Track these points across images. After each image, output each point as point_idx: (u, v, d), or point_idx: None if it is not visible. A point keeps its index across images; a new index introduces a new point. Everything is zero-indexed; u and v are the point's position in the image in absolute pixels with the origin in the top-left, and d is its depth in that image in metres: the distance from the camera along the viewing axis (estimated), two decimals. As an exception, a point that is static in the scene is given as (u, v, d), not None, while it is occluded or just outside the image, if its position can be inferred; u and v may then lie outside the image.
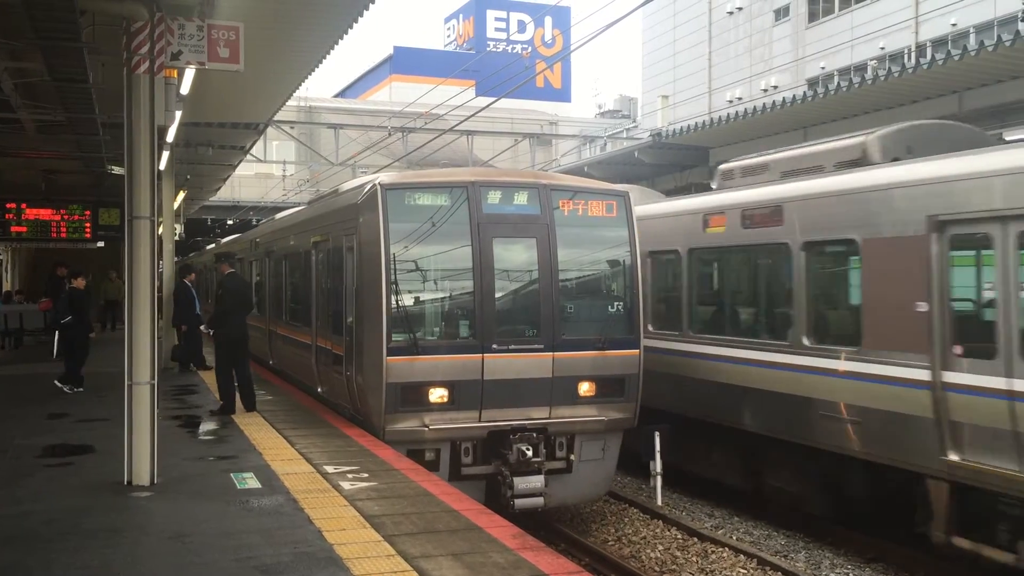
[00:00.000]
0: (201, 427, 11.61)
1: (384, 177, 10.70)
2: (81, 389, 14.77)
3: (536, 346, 10.40)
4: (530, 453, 10.25)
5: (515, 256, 10.65)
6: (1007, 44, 14.05)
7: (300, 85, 15.50)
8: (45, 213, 22.53)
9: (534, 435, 10.39)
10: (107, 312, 29.21)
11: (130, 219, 8.27)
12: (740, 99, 39.54)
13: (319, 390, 13.24)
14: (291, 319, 15.65)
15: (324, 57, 13.38)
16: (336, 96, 66.91)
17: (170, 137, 15.40)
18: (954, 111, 16.28)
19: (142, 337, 8.28)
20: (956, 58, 14.88)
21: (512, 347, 10.31)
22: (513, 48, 62.80)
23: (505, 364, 10.26)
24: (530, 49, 57.33)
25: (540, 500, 10.40)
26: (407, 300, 10.20)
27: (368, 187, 10.75)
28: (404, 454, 9.79)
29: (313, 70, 14.19)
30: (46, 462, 9.56)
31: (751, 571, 10.01)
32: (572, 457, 10.80)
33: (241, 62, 8.81)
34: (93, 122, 14.42)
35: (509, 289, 10.66)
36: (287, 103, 17.57)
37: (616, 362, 10.76)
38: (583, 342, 10.60)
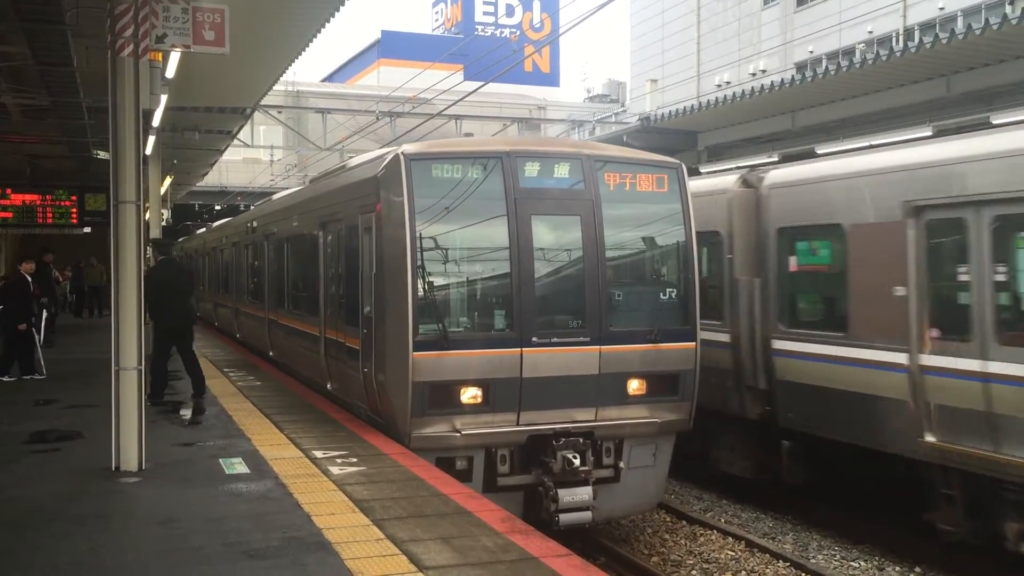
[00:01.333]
0: (189, 413, 11.59)
1: (408, 147, 9.40)
2: (5, 377, 14.14)
3: (581, 339, 9.22)
4: (577, 461, 9.04)
5: (557, 236, 9.49)
6: (995, 27, 14.06)
7: (287, 69, 15.43)
8: (31, 198, 22.35)
9: (580, 440, 9.20)
10: (92, 298, 29.09)
11: (116, 204, 8.21)
12: (728, 83, 39.43)
13: (328, 387, 11.96)
14: (295, 308, 14.29)
15: (311, 40, 13.30)
16: (324, 80, 66.48)
17: (156, 121, 15.27)
18: (942, 94, 16.32)
19: (129, 323, 8.24)
20: (944, 42, 14.89)
21: (554, 340, 9.14)
22: (501, 32, 62.41)
23: (546, 359, 9.10)
24: (518, 33, 57.02)
25: (588, 515, 9.21)
26: (435, 287, 9.05)
27: (389, 158, 9.39)
28: (432, 463, 8.71)
29: (300, 53, 14.10)
30: (33, 448, 9.52)
31: (739, 553, 10.08)
32: (620, 464, 9.63)
33: (227, 45, 8.74)
34: (78, 106, 14.35)
35: (550, 273, 9.45)
36: (274, 87, 17.46)
37: (670, 356, 9.61)
38: (633, 334, 9.46)
